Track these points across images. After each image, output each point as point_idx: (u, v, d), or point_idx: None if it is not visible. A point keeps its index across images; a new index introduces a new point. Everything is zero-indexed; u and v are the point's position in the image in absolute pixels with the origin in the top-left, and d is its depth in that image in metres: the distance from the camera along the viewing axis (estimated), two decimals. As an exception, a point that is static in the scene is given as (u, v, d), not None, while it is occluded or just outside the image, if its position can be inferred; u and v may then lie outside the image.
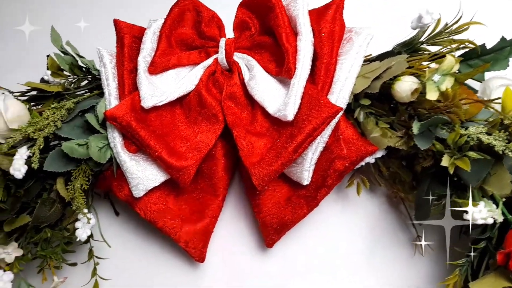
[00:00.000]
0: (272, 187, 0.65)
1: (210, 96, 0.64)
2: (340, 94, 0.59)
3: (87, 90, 0.68)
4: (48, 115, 0.60)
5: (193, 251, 0.66)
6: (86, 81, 0.71)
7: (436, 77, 0.54)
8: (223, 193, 0.68)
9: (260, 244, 0.69)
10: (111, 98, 0.64)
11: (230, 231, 0.69)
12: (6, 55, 0.86)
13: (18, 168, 0.56)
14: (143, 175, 0.63)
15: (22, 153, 0.57)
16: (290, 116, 0.58)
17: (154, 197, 0.66)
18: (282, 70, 0.60)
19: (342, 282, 0.66)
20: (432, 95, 0.54)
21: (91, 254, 0.67)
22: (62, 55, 0.69)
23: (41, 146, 0.58)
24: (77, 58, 0.69)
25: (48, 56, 0.70)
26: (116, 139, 0.62)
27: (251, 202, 0.66)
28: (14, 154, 0.59)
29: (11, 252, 0.60)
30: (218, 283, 0.68)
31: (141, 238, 0.72)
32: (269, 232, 0.64)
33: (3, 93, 0.60)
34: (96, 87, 0.70)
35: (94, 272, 0.67)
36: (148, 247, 0.72)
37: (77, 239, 0.61)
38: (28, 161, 0.59)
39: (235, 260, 0.69)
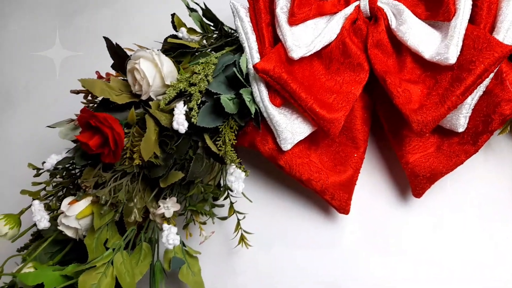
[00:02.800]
0: (418, 137, 0.64)
1: (354, 45, 0.62)
2: (508, 33, 0.55)
3: (223, 45, 0.68)
4: (199, 70, 0.60)
5: (338, 203, 0.66)
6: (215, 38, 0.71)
7: None
8: (364, 145, 0.67)
9: (401, 196, 0.68)
10: (253, 52, 0.63)
11: (370, 183, 0.69)
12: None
13: (182, 122, 0.57)
14: (291, 128, 0.62)
15: (181, 108, 0.58)
16: (452, 59, 0.55)
17: (297, 151, 0.66)
18: (436, 14, 0.58)
19: (491, 233, 0.65)
20: None
21: (232, 209, 0.69)
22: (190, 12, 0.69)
23: (199, 101, 0.59)
24: (208, 14, 0.69)
25: (173, 14, 0.70)
26: (262, 93, 0.62)
27: (397, 153, 0.65)
28: (170, 111, 0.61)
29: (170, 206, 0.62)
30: (358, 236, 0.69)
31: (273, 194, 0.74)
32: (420, 182, 0.63)
33: (152, 50, 0.61)
34: (226, 43, 0.70)
35: (237, 226, 0.69)
36: (282, 202, 0.73)
37: (234, 192, 0.62)
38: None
39: (376, 213, 0.68)
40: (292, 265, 0.71)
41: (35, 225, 0.64)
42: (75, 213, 0.57)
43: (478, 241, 0.64)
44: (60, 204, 0.65)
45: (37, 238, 0.72)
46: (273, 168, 0.72)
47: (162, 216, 0.63)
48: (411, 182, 0.65)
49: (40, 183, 0.66)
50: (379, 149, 0.70)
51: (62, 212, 0.59)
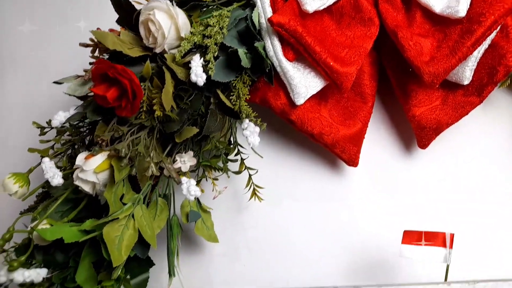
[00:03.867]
0: (425, 91, 0.67)
1: (365, 0, 0.63)
2: (515, -14, 0.58)
3: (231, 0, 0.67)
4: (214, 23, 0.60)
5: (348, 156, 0.68)
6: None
7: None
8: (372, 100, 0.69)
9: (406, 149, 0.72)
10: (265, 6, 0.63)
11: (376, 137, 0.71)
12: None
13: (200, 74, 0.56)
14: (305, 82, 0.63)
15: (198, 60, 0.57)
16: (462, 12, 0.58)
17: (308, 106, 0.67)
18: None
19: (491, 182, 0.69)
20: None
21: (243, 165, 0.70)
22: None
23: (216, 53, 0.58)
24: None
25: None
26: (276, 47, 0.62)
27: (404, 107, 0.68)
28: (184, 64, 0.60)
29: (187, 161, 0.62)
30: (365, 189, 0.72)
31: (281, 151, 0.75)
32: (426, 133, 0.66)
33: (166, 0, 0.59)
34: (234, -1, 0.69)
35: (249, 181, 0.70)
36: (290, 159, 0.74)
37: (250, 145, 0.63)
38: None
39: (382, 166, 0.71)
40: (301, 219, 0.73)
41: (45, 183, 0.64)
42: (93, 167, 0.57)
43: (479, 189, 0.68)
44: (71, 161, 0.65)
45: (43, 198, 0.70)
46: (281, 126, 0.74)
47: (178, 171, 0.63)
48: (417, 135, 0.68)
49: (48, 141, 0.64)
50: (385, 104, 0.72)
51: (78, 168, 0.58)
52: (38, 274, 0.59)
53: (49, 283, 0.61)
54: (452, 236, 0.56)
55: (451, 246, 0.56)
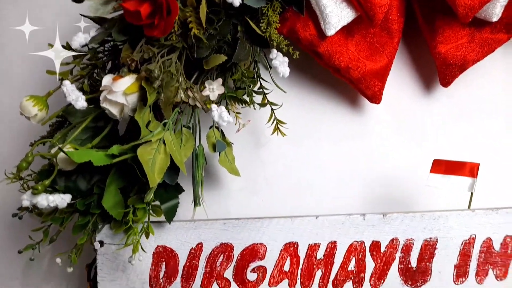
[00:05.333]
0: (451, 28, 0.67)
1: None
2: None
3: None
4: None
5: (372, 92, 0.68)
6: None
7: None
8: (398, 36, 0.68)
9: (426, 89, 0.72)
10: None
11: (397, 75, 0.71)
12: None
13: (236, -6, 0.54)
14: (337, 12, 0.62)
15: (232, -19, 0.55)
16: None
17: (336, 39, 0.65)
18: None
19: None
20: None
21: (265, 99, 0.69)
22: None
23: (252, -26, 0.56)
24: None
25: None
26: (310, -27, 0.60)
27: (430, 44, 0.68)
28: (217, -15, 0.57)
29: (216, 89, 0.60)
30: (384, 127, 0.72)
31: (301, 89, 0.74)
32: (451, 70, 0.67)
33: None
34: None
35: (271, 116, 0.69)
36: (310, 97, 0.74)
37: (281, 75, 0.61)
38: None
39: (402, 104, 0.72)
40: (320, 156, 0.73)
41: (68, 105, 0.60)
42: (123, 88, 0.54)
43: (497, 129, 0.70)
44: (92, 87, 0.62)
45: (58, 127, 0.68)
46: (301, 66, 0.73)
47: (205, 99, 0.61)
48: (441, 72, 0.69)
49: (68, 64, 0.61)
50: (409, 42, 0.72)
51: (105, 89, 0.55)
52: (62, 199, 0.57)
53: (72, 209, 0.60)
54: (478, 166, 0.58)
55: (476, 176, 0.58)
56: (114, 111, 0.56)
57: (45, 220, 0.61)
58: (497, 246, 0.56)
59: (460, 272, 0.56)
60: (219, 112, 0.58)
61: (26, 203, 0.56)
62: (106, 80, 0.56)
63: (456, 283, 0.56)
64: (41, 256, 0.78)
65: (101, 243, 0.60)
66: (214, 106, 0.59)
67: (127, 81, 0.56)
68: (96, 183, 0.60)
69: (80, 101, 0.57)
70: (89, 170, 0.61)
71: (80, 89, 0.60)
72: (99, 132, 0.63)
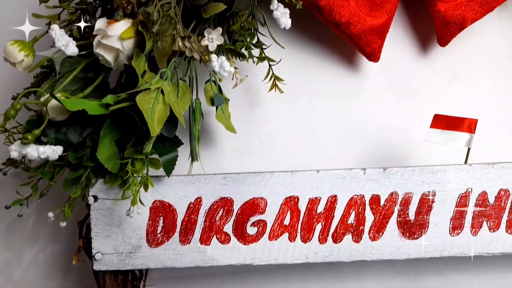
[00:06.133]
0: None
1: None
2: None
3: None
4: None
5: (371, 50, 0.67)
6: None
7: None
8: (398, -8, 0.68)
9: (422, 49, 0.72)
10: None
11: (394, 34, 0.70)
12: None
13: None
14: (340, -37, 0.60)
15: None
16: None
17: (337, -9, 0.64)
18: None
19: (503, 85, 0.71)
20: None
21: (262, 54, 0.67)
22: None
23: None
24: None
25: None
26: None
27: (428, 1, 0.67)
28: None
29: (215, 39, 0.57)
30: (380, 86, 0.72)
31: (297, 47, 0.72)
32: (450, 29, 0.66)
33: None
34: None
35: (269, 72, 0.67)
36: (306, 55, 0.72)
37: (282, 27, 0.59)
38: None
39: (398, 64, 0.71)
40: (316, 115, 0.72)
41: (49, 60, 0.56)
42: (118, 33, 0.51)
43: (491, 88, 0.71)
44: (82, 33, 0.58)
45: (44, 77, 0.64)
46: (298, 23, 0.71)
47: (203, 49, 0.59)
48: (439, 31, 0.68)
49: (56, 7, 0.57)
50: (407, 1, 0.71)
51: (99, 34, 0.52)
52: (53, 151, 0.54)
53: (63, 163, 0.57)
54: (476, 122, 0.59)
55: (473, 131, 0.59)
56: (109, 57, 0.53)
57: (34, 174, 0.58)
58: (491, 199, 0.58)
59: (456, 224, 0.58)
60: (219, 62, 0.56)
61: (14, 154, 0.52)
62: (100, 23, 0.52)
63: (452, 235, 0.58)
64: (25, 219, 0.76)
65: (95, 198, 0.58)
66: (213, 56, 0.57)
67: (123, 25, 0.52)
68: (89, 135, 0.57)
69: (71, 47, 0.53)
70: (81, 122, 0.58)
71: (69, 36, 0.56)
72: (89, 83, 0.59)
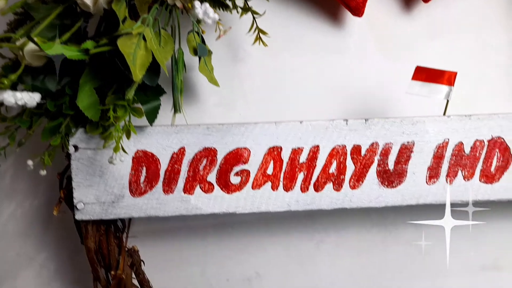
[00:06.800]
0: None
1: None
2: None
3: None
4: None
5: (355, 4, 0.66)
6: None
7: None
8: None
9: (404, 5, 0.72)
10: None
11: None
12: None
13: None
14: None
15: None
16: None
17: None
18: None
19: (485, 42, 0.72)
20: None
21: (246, 5, 0.65)
22: None
23: None
24: None
25: None
26: None
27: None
28: None
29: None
30: (363, 42, 0.72)
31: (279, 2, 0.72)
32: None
33: None
34: None
35: (253, 24, 0.66)
36: (289, 10, 0.71)
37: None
38: None
39: (379, 20, 0.71)
40: (299, 71, 0.72)
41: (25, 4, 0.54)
42: (97, -27, 0.49)
43: (472, 45, 0.72)
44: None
45: (19, 24, 0.61)
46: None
47: (186, -4, 0.57)
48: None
49: None
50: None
51: (76, -26, 0.50)
52: (31, 97, 0.52)
53: (42, 111, 0.55)
54: (455, 74, 0.60)
55: (453, 84, 0.61)
56: (88, 0, 0.51)
57: (11, 124, 0.56)
58: (467, 150, 0.60)
59: (433, 173, 0.60)
60: (203, 9, 0.55)
61: (-10, 100, 0.51)
62: (77, -37, 0.50)
63: (428, 183, 0.60)
64: (2, 175, 0.74)
65: (76, 147, 0.57)
66: (197, 3, 0.55)
67: (102, -35, 0.50)
68: (67, 84, 0.56)
69: (47, -13, 0.51)
70: (59, 70, 0.57)
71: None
72: (66, 30, 0.57)
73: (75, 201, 0.58)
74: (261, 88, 0.73)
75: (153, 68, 0.55)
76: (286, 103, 0.72)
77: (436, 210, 0.73)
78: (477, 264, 0.76)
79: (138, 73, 0.50)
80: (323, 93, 0.71)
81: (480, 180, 0.61)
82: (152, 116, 0.55)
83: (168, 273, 0.75)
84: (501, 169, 0.61)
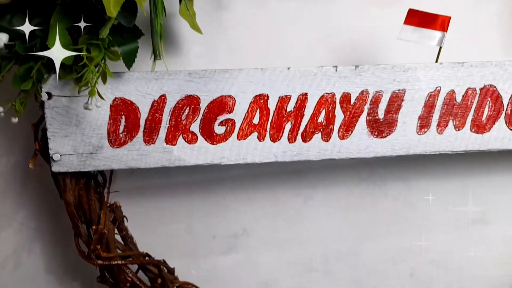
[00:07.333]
0: None
1: None
2: None
3: None
4: None
5: None
6: None
7: None
8: None
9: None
10: None
11: None
12: None
13: None
14: None
15: None
16: None
17: None
18: None
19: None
20: None
21: None
22: None
23: None
24: None
25: None
26: None
27: None
28: None
29: None
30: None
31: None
32: None
33: None
34: None
35: (238, -32, 0.62)
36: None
37: None
38: None
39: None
40: (286, 18, 0.68)
41: None
42: None
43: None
44: None
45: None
46: None
47: None
48: None
49: None
50: None
51: None
52: (-2, 37, 0.49)
53: (11, 54, 0.51)
54: (449, 19, 0.58)
55: (446, 30, 0.58)
56: None
57: (-22, 69, 0.52)
58: (459, 98, 0.58)
59: (423, 123, 0.58)
60: None
61: (-49, 40, 0.47)
62: None
63: (419, 133, 0.58)
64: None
65: (49, 95, 0.53)
66: None
67: None
68: (37, 25, 0.52)
69: None
70: (27, 10, 0.53)
71: None
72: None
73: (51, 152, 0.54)
74: (247, 39, 0.70)
75: (130, 7, 0.51)
76: (273, 53, 0.69)
77: (425, 164, 0.72)
78: (466, 218, 0.77)
79: (112, 9, 0.46)
80: (312, 41, 0.68)
81: (471, 130, 0.59)
82: (129, 60, 0.51)
83: (153, 230, 0.73)
84: (492, 119, 0.59)
